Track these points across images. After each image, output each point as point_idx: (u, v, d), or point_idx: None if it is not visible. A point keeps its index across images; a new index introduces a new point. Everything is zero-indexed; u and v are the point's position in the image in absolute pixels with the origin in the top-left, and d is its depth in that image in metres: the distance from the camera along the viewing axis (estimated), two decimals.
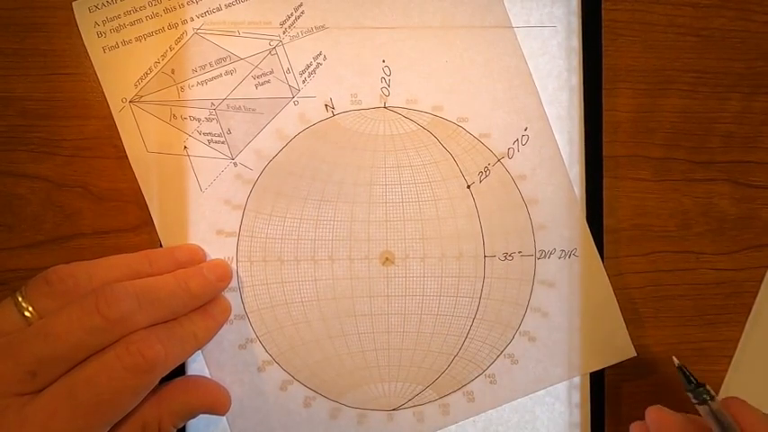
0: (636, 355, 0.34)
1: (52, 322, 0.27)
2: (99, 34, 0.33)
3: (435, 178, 0.34)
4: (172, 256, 0.31)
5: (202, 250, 0.33)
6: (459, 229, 0.34)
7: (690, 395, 0.28)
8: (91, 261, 0.30)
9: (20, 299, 0.28)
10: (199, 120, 0.33)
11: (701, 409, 0.28)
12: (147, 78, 0.33)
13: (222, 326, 0.32)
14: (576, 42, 0.34)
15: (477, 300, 0.34)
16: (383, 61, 0.34)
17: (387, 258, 0.34)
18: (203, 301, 0.31)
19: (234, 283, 0.33)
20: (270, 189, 0.33)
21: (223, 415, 0.32)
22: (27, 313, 0.27)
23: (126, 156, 0.33)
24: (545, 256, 0.34)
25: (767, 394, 0.36)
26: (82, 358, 0.27)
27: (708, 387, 0.28)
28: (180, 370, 0.32)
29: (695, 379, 0.28)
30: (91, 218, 0.34)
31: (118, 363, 0.27)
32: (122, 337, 0.27)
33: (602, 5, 0.34)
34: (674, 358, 0.29)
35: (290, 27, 0.34)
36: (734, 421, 0.27)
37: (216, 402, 0.31)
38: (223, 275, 0.32)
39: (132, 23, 0.33)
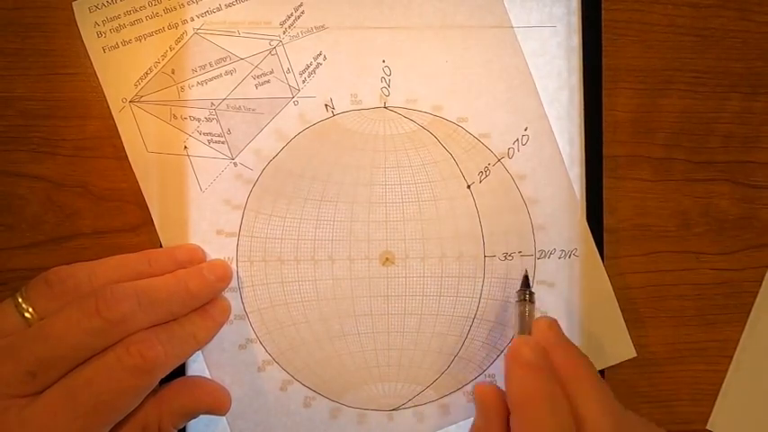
0: (636, 355, 0.34)
1: (52, 323, 0.27)
2: (99, 34, 0.33)
3: (435, 178, 0.34)
4: (172, 256, 0.31)
5: (202, 250, 0.33)
6: (459, 230, 0.34)
7: (517, 294, 0.32)
8: (91, 262, 0.30)
9: (20, 300, 0.28)
10: (199, 120, 0.33)
11: (517, 305, 0.32)
12: (147, 78, 0.33)
13: (222, 326, 0.32)
14: (576, 42, 0.34)
15: (477, 300, 0.34)
16: (383, 61, 0.34)
17: (387, 258, 0.34)
18: (203, 301, 0.31)
19: (234, 283, 0.33)
20: (270, 189, 0.33)
21: (223, 415, 0.32)
22: (27, 314, 0.27)
23: (126, 156, 0.33)
24: (545, 256, 0.34)
25: (767, 394, 0.36)
26: (82, 359, 0.27)
27: (533, 296, 0.32)
28: (180, 370, 0.32)
29: (530, 287, 0.33)
30: (91, 218, 0.34)
31: (118, 364, 0.27)
32: (122, 338, 0.27)
33: (602, 5, 0.34)
34: (525, 270, 0.33)
35: (290, 27, 0.34)
36: (530, 326, 0.31)
37: (216, 403, 0.31)
38: (223, 276, 0.32)
39: (132, 23, 0.33)
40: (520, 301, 0.32)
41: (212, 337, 0.32)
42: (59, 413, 0.26)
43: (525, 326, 0.31)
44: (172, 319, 0.30)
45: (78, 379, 0.26)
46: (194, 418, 0.31)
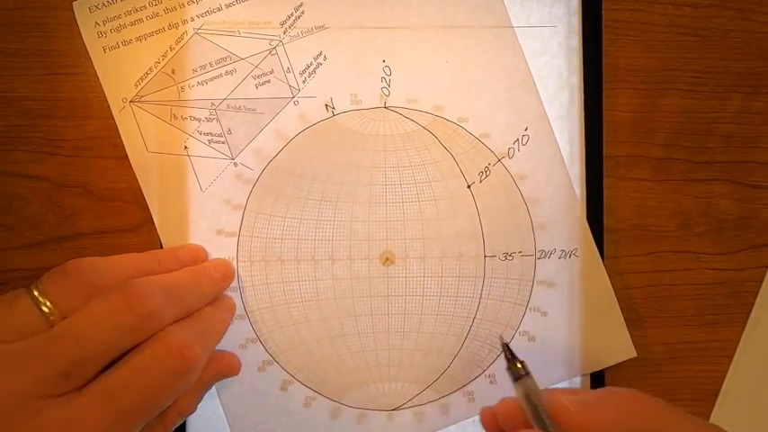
0: (636, 355, 0.34)
1: (80, 322, 0.26)
2: (99, 34, 0.33)
3: (435, 178, 0.34)
4: (176, 256, 0.31)
5: (204, 251, 0.33)
6: (460, 229, 0.34)
7: (508, 372, 0.28)
8: (108, 257, 0.29)
9: (36, 293, 0.27)
10: (199, 120, 0.33)
11: (516, 386, 0.27)
12: (148, 78, 0.33)
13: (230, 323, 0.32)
14: (575, 42, 0.34)
15: (477, 300, 0.34)
16: (383, 61, 0.34)
17: (387, 258, 0.34)
18: (212, 299, 0.31)
19: (234, 283, 0.33)
20: (270, 189, 0.33)
21: (236, 375, 0.33)
22: (45, 308, 0.26)
23: (126, 156, 0.33)
24: (545, 256, 0.34)
25: (767, 394, 0.36)
26: (113, 357, 0.26)
27: (525, 366, 0.27)
28: None
29: (515, 357, 0.28)
30: (91, 218, 0.34)
31: (157, 365, 0.26)
32: (158, 336, 0.27)
33: (602, 5, 0.34)
34: (501, 337, 0.31)
35: (290, 27, 0.34)
36: (544, 403, 0.25)
37: (226, 368, 0.32)
38: (227, 274, 0.32)
39: (132, 23, 0.33)
40: (516, 379, 0.27)
41: (225, 332, 0.32)
42: (103, 415, 0.25)
43: (539, 407, 0.25)
44: (187, 314, 0.29)
45: (119, 381, 0.26)
46: (210, 387, 0.31)
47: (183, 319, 0.29)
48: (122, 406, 0.25)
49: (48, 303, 0.26)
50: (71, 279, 0.27)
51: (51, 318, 0.26)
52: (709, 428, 0.25)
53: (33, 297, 0.27)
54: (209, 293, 0.31)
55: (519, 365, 0.27)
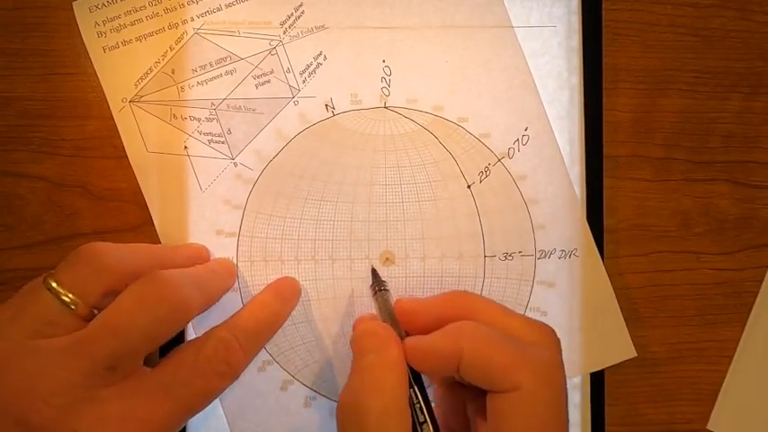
0: (636, 355, 0.34)
1: (116, 315, 0.26)
2: (99, 34, 0.33)
3: (435, 178, 0.34)
4: (183, 253, 0.32)
5: (207, 250, 0.33)
6: (460, 229, 0.34)
7: (371, 290, 0.32)
8: (118, 244, 0.29)
9: (54, 285, 0.26)
10: (199, 120, 0.33)
11: (375, 298, 0.31)
12: (148, 78, 0.33)
13: None
14: (575, 42, 0.34)
15: None
16: (383, 61, 0.34)
17: (387, 258, 0.34)
18: (220, 297, 0.32)
19: (234, 284, 0.33)
20: (270, 189, 0.33)
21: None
22: (66, 299, 0.26)
23: (126, 156, 0.33)
24: (545, 256, 0.34)
25: (767, 394, 0.36)
26: (155, 346, 0.27)
27: (385, 284, 0.31)
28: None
29: (379, 278, 0.32)
30: (91, 218, 0.34)
31: (209, 368, 0.27)
32: (207, 339, 0.28)
33: (602, 5, 0.35)
34: (371, 265, 0.33)
35: (290, 27, 0.34)
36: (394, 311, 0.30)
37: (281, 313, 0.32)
38: (231, 273, 0.32)
39: (132, 23, 0.33)
40: (375, 293, 0.31)
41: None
42: (161, 409, 0.26)
43: (390, 312, 0.30)
44: (208, 307, 0.30)
45: (176, 379, 0.27)
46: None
47: (227, 321, 0.29)
48: (178, 403, 0.27)
49: (69, 295, 0.26)
50: (86, 264, 0.27)
51: (74, 307, 0.26)
52: (514, 314, 0.28)
53: (52, 289, 0.26)
54: (223, 291, 0.31)
55: (379, 284, 0.31)
